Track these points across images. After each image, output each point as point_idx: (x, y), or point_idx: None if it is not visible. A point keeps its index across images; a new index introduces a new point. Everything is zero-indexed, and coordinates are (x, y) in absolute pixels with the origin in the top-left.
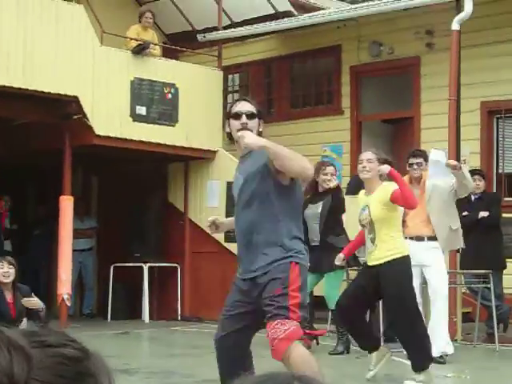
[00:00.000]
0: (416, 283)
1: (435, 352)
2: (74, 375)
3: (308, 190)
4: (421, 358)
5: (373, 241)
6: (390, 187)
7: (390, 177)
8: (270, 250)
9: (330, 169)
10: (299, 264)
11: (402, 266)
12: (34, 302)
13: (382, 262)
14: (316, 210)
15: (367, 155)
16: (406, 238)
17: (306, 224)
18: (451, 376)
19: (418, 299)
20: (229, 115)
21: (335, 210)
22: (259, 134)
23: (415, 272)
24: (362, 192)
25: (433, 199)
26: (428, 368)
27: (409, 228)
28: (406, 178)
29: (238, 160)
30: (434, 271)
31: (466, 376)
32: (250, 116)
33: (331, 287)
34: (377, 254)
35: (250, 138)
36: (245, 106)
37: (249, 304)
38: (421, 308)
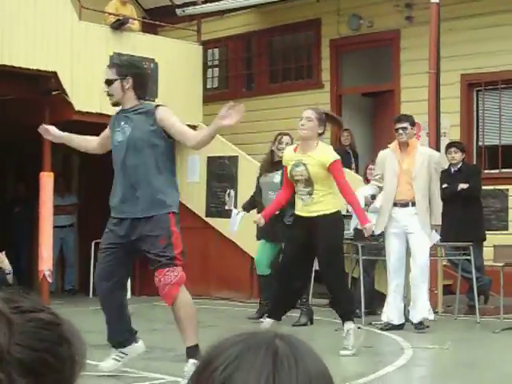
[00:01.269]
0: (400, 248)
1: (416, 317)
2: (54, 339)
3: (265, 159)
4: (351, 307)
5: (310, 193)
6: (330, 155)
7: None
8: (153, 198)
9: (285, 138)
10: (175, 214)
11: (337, 219)
12: (3, 259)
13: (319, 214)
14: (272, 179)
15: (307, 113)
16: (394, 204)
17: (261, 192)
18: (432, 347)
19: (398, 262)
20: None
21: None
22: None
23: (399, 237)
24: (290, 149)
25: (418, 178)
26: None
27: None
28: (393, 144)
29: (121, 113)
30: (415, 238)
31: (447, 347)
32: (109, 82)
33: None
34: (314, 207)
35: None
36: (107, 74)
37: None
38: (403, 273)
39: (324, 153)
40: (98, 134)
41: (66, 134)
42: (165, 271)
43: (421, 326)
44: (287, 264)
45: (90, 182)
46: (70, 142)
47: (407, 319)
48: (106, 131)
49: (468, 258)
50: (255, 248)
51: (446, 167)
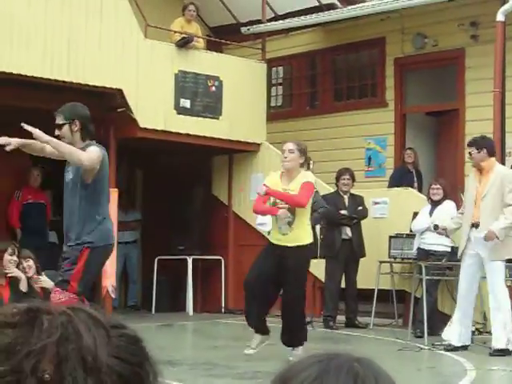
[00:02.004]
0: (472, 270)
1: (492, 345)
2: (142, 353)
3: None
4: (303, 334)
5: (290, 224)
6: (306, 178)
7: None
8: (77, 231)
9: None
10: (93, 250)
11: (308, 251)
12: (41, 281)
13: (294, 244)
14: None
15: (289, 146)
16: (472, 225)
17: None
18: (496, 369)
19: (467, 284)
20: None
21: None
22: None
23: (473, 259)
24: (276, 175)
25: (487, 196)
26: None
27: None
28: (474, 168)
29: None
30: (488, 262)
31: (510, 370)
32: (58, 127)
33: None
34: (291, 237)
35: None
36: (56, 120)
37: None
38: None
39: (301, 177)
40: (162, 151)
41: (24, 140)
42: (55, 290)
43: (495, 354)
44: (252, 283)
45: (154, 198)
46: (33, 146)
47: (472, 341)
48: None
49: None
50: (317, 266)
51: None
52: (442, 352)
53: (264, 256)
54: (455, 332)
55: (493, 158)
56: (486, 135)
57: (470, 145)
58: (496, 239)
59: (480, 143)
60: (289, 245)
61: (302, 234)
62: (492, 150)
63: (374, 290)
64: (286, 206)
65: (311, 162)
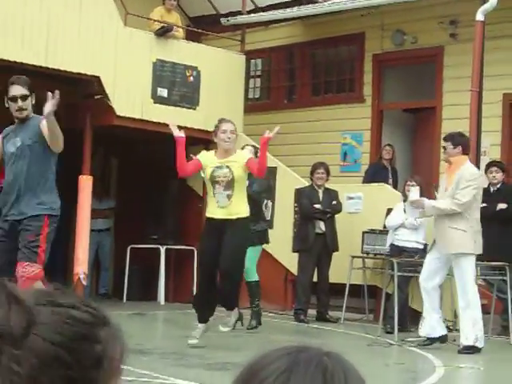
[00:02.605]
0: (436, 265)
1: (462, 341)
2: (73, 335)
3: None
4: (235, 298)
5: (229, 197)
6: (245, 154)
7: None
8: (32, 199)
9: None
10: (51, 216)
11: (249, 223)
12: None
13: (234, 217)
14: None
15: (231, 126)
16: None
17: None
18: (464, 366)
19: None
20: (6, 95)
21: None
22: (33, 106)
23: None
24: (210, 153)
25: (446, 195)
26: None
27: None
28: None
29: (14, 127)
30: (455, 261)
31: (479, 367)
32: (24, 98)
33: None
34: (231, 210)
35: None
36: (18, 90)
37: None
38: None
39: (241, 154)
40: (138, 140)
41: None
42: (24, 264)
43: (464, 351)
44: (207, 268)
45: (129, 187)
46: None
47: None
48: None
49: (504, 278)
50: (290, 259)
51: (486, 186)
52: (412, 348)
53: (207, 238)
54: (427, 324)
55: (465, 157)
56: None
57: (447, 139)
58: (420, 208)
59: (457, 139)
60: (229, 217)
61: (242, 206)
62: (467, 148)
63: (345, 284)
64: (225, 180)
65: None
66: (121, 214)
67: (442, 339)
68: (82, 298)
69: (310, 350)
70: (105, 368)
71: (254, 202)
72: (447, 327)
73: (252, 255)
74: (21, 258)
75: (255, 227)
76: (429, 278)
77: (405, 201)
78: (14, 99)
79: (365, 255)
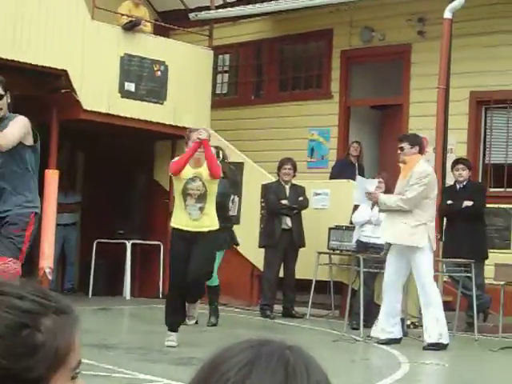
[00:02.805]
0: (398, 263)
1: (425, 339)
2: (8, 323)
3: None
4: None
5: (201, 210)
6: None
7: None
8: (17, 197)
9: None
10: (37, 214)
11: (217, 237)
12: None
13: (206, 229)
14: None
15: (207, 134)
16: None
17: None
18: (429, 363)
19: (391, 277)
20: None
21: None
22: (9, 106)
23: (399, 252)
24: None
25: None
26: None
27: None
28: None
29: None
30: (414, 256)
31: (444, 364)
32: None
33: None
34: (203, 223)
35: None
36: None
37: None
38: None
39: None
40: (105, 134)
41: None
42: (7, 260)
43: (428, 348)
44: (178, 280)
45: (95, 181)
46: None
47: (405, 334)
48: None
49: (469, 275)
50: (256, 255)
51: (452, 183)
52: (377, 344)
53: (177, 247)
54: (380, 326)
55: (419, 155)
56: (419, 132)
57: (403, 140)
58: (373, 200)
59: (413, 140)
60: (200, 230)
61: (213, 219)
62: (423, 148)
63: (311, 280)
64: (198, 193)
65: (221, 151)
66: (87, 208)
67: (397, 341)
68: (39, 288)
69: (272, 343)
70: (42, 357)
71: (219, 203)
72: (412, 323)
73: (217, 260)
74: (3, 252)
75: (223, 234)
76: (392, 279)
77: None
78: None
79: (331, 251)
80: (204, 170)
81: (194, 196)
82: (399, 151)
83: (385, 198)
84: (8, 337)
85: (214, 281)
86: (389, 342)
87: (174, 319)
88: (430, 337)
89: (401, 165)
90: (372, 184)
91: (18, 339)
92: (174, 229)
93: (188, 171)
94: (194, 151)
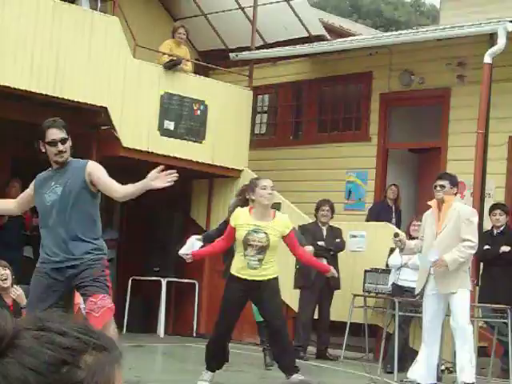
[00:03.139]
0: (436, 307)
1: (459, 380)
2: (48, 359)
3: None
4: (295, 359)
5: (260, 261)
6: (288, 223)
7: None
8: (87, 244)
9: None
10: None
11: (278, 284)
12: (19, 293)
13: (266, 278)
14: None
15: (271, 182)
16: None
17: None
18: None
19: (431, 323)
20: (43, 140)
21: None
22: (71, 148)
23: (437, 297)
24: (245, 211)
25: (444, 233)
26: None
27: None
28: (433, 202)
29: (51, 173)
30: (454, 298)
31: None
32: (64, 141)
33: None
34: (262, 272)
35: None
36: (57, 134)
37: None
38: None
39: (282, 220)
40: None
41: None
42: (101, 296)
43: None
44: (229, 323)
45: (132, 218)
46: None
47: (440, 379)
48: (28, 191)
49: (505, 321)
50: (291, 296)
51: (489, 228)
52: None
53: (231, 295)
54: (420, 370)
55: (453, 196)
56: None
57: (443, 178)
58: (445, 268)
59: (454, 180)
60: (260, 279)
61: (273, 268)
62: (458, 188)
63: (346, 322)
64: (260, 245)
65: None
66: (123, 245)
67: None
68: (82, 324)
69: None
70: None
71: None
72: (447, 368)
73: None
74: (95, 290)
75: None
76: (434, 327)
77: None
78: (54, 143)
79: (366, 294)
80: (272, 226)
81: (254, 247)
82: (438, 188)
83: (451, 258)
84: (47, 374)
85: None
86: None
87: (217, 360)
88: (465, 376)
89: (431, 203)
90: (433, 254)
91: (57, 376)
92: (232, 275)
93: (249, 221)
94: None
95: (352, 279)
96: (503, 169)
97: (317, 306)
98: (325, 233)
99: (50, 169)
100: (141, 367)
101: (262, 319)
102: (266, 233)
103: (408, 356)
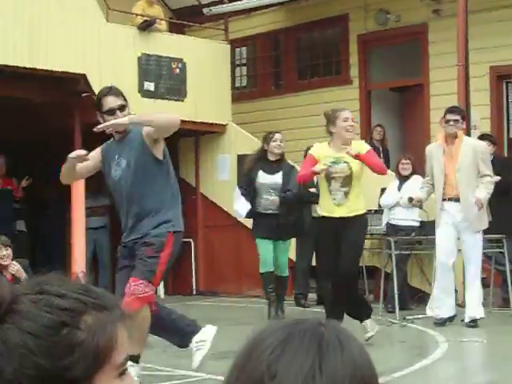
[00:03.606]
0: (450, 242)
1: (467, 315)
2: (47, 322)
3: (258, 157)
4: (367, 305)
5: (346, 194)
6: (364, 145)
7: (358, 159)
8: (155, 217)
9: (278, 135)
10: (175, 233)
11: (365, 221)
12: (17, 268)
13: (352, 214)
14: (275, 180)
15: (350, 114)
16: (443, 199)
17: (255, 190)
18: (467, 341)
19: (447, 258)
20: (100, 110)
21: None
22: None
23: (450, 230)
24: (323, 145)
25: (462, 170)
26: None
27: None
28: (440, 136)
29: (114, 145)
30: (467, 234)
31: (482, 340)
32: (122, 108)
33: (284, 255)
34: (349, 207)
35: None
36: (114, 101)
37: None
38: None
39: (358, 144)
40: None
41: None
42: (139, 282)
43: (471, 324)
44: (330, 267)
45: None
46: (74, 170)
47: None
48: (94, 157)
49: (501, 250)
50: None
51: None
52: (414, 326)
53: (324, 241)
54: (438, 305)
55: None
56: (441, 111)
57: (456, 112)
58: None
59: (463, 114)
60: (346, 215)
61: (359, 202)
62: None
63: None
64: (343, 175)
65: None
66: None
67: (451, 319)
68: (83, 286)
69: (306, 321)
70: (82, 355)
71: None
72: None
73: (286, 249)
74: (135, 273)
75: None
76: (448, 256)
77: (402, 180)
78: (112, 112)
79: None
80: (350, 151)
81: (337, 180)
82: (452, 123)
83: (484, 195)
84: (46, 336)
85: (284, 271)
86: (448, 319)
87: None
88: (474, 312)
89: (439, 137)
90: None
91: (57, 338)
92: (321, 217)
93: (329, 153)
94: (314, 174)
95: None
96: (486, 100)
97: (313, 253)
98: (315, 179)
99: (112, 139)
100: None
101: (267, 270)
102: (346, 162)
103: (407, 294)
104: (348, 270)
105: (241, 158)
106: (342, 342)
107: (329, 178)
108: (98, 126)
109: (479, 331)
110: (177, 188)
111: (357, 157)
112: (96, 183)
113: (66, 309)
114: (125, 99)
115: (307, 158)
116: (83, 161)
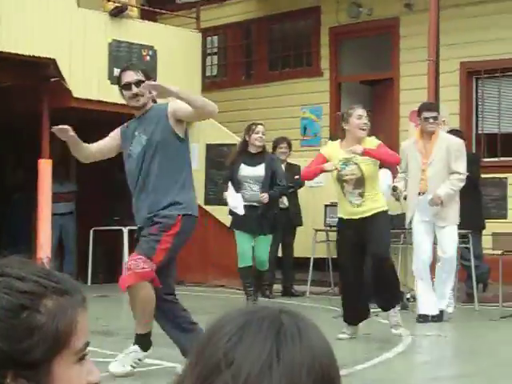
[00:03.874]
0: (429, 244)
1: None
2: (5, 304)
3: (239, 150)
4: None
5: (362, 195)
6: (375, 141)
7: (365, 154)
8: (166, 198)
9: (260, 128)
10: (183, 216)
11: (387, 218)
12: None
13: (370, 213)
14: (256, 172)
15: (364, 111)
16: (419, 193)
17: (238, 183)
18: (431, 335)
19: (428, 259)
20: (119, 85)
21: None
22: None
23: (427, 229)
24: (334, 145)
25: (434, 164)
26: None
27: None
28: (417, 133)
29: (134, 122)
30: (443, 230)
31: (445, 335)
32: (138, 83)
33: (265, 249)
34: (366, 207)
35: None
36: (131, 76)
37: None
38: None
39: (369, 141)
40: (96, 121)
41: (75, 136)
42: (136, 257)
43: (435, 319)
44: (353, 270)
45: (89, 169)
46: (75, 146)
47: (405, 307)
48: (113, 137)
49: (467, 246)
50: None
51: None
52: (377, 319)
53: (345, 245)
54: (424, 304)
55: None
56: (410, 106)
57: (434, 109)
58: (440, 204)
59: (438, 109)
60: (365, 215)
61: (378, 200)
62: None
63: (310, 258)
64: (354, 177)
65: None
66: (82, 196)
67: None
68: (43, 269)
69: (266, 309)
70: (41, 339)
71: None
72: (412, 296)
73: (267, 243)
74: (136, 249)
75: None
76: (429, 256)
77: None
78: (127, 86)
79: (328, 228)
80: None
81: (349, 182)
82: (431, 120)
83: (445, 192)
84: (5, 319)
85: (264, 265)
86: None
87: (352, 312)
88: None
89: (415, 134)
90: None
91: (16, 321)
92: (340, 219)
93: (339, 154)
94: (322, 172)
95: (313, 215)
96: (456, 95)
97: (280, 244)
98: (284, 170)
99: (133, 119)
100: (108, 317)
101: (246, 264)
102: (356, 163)
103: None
104: (382, 255)
105: (210, 148)
106: (301, 330)
107: (340, 180)
108: (146, 82)
109: (443, 326)
110: (191, 172)
111: (363, 153)
112: (64, 169)
113: (25, 292)
114: (146, 75)
115: (316, 157)
116: (67, 135)
